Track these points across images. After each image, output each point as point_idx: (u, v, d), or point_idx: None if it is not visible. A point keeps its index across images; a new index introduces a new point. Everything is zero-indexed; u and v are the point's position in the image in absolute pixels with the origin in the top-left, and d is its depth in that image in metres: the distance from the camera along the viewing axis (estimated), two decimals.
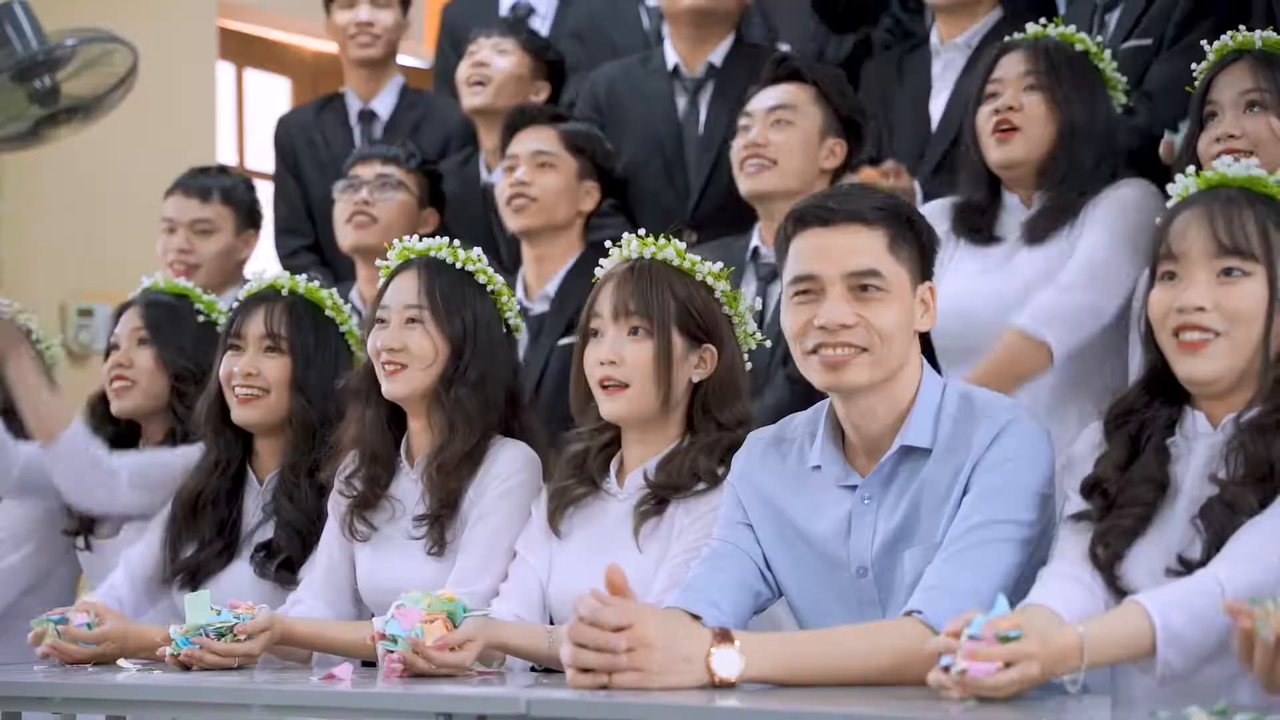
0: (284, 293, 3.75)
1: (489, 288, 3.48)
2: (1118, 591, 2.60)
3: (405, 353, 3.40)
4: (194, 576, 3.69)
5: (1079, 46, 3.73)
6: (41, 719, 3.17)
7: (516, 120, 4.57)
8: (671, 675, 2.49)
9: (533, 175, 4.44)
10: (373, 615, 3.23)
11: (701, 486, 3.10)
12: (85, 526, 4.00)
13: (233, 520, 3.72)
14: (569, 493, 3.23)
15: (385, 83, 5.40)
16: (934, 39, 4.59)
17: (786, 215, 2.87)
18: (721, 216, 4.53)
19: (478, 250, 3.50)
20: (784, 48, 4.85)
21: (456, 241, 3.50)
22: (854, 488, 2.82)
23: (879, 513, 2.79)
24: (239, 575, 3.67)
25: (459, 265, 3.46)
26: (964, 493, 2.72)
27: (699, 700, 2.43)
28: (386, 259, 3.54)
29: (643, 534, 3.14)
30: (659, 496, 3.13)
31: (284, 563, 3.62)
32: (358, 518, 3.48)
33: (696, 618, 2.68)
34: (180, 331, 4.01)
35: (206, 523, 3.71)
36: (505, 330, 3.51)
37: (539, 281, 4.47)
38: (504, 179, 4.50)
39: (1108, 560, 2.62)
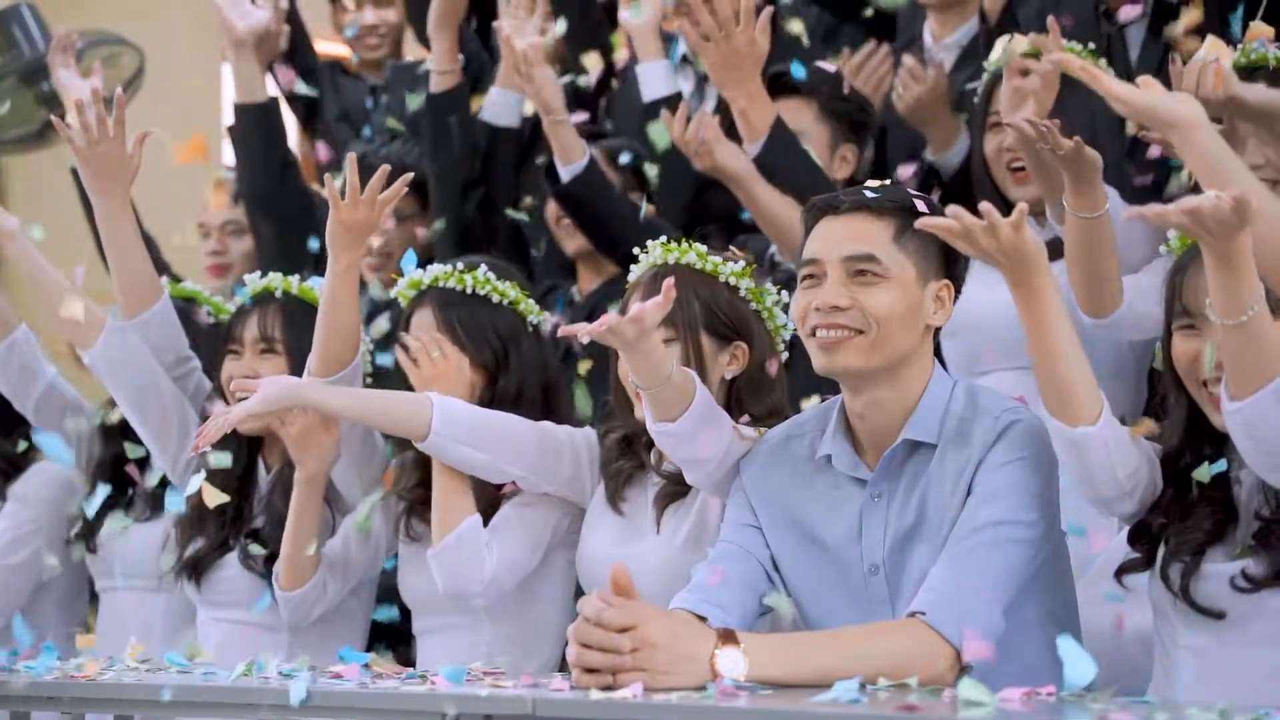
0: (278, 295, 3.77)
1: (502, 302, 3.53)
2: (1195, 608, 2.67)
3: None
4: (195, 569, 3.73)
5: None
6: (50, 718, 3.18)
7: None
8: (676, 675, 2.50)
9: None
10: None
11: None
12: (87, 529, 3.99)
13: (236, 514, 3.74)
14: (621, 471, 3.33)
15: None
16: (927, 38, 4.59)
17: (805, 207, 2.92)
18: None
19: (482, 269, 3.54)
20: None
21: (460, 265, 3.54)
22: (864, 482, 2.83)
23: (889, 510, 2.80)
24: (232, 566, 3.72)
25: (469, 290, 3.52)
26: (968, 492, 2.74)
27: (703, 700, 2.44)
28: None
29: (664, 517, 3.23)
30: (680, 479, 3.19)
31: (271, 556, 3.64)
32: (417, 518, 3.55)
33: (702, 619, 2.69)
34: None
35: (211, 519, 3.73)
36: (531, 329, 3.57)
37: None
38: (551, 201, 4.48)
39: (1181, 579, 2.68)
